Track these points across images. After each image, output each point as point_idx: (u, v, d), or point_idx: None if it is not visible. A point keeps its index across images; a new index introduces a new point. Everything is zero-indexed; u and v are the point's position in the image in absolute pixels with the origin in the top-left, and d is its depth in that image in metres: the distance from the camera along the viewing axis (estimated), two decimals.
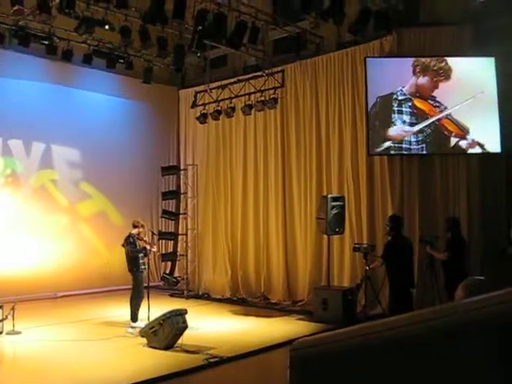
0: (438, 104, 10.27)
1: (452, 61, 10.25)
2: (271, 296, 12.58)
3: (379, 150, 10.50)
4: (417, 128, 10.29)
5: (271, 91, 12.26)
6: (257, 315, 10.94)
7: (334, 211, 10.31)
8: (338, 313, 9.71)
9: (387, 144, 10.42)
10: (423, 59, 10.33)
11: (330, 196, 10.55)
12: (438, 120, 10.26)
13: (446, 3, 10.29)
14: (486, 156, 10.11)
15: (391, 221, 8.96)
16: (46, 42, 11.54)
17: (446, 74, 10.22)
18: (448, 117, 10.20)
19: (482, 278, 2.55)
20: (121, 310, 10.35)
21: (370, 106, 10.53)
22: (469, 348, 1.06)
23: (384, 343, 1.13)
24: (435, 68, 10.24)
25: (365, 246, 9.94)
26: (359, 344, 1.16)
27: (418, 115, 10.36)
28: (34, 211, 12.68)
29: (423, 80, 10.30)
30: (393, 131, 10.38)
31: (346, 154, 11.40)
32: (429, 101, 10.32)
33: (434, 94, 10.30)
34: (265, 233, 12.90)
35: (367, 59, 10.65)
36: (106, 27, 11.02)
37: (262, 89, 12.47)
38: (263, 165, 12.97)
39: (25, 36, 11.14)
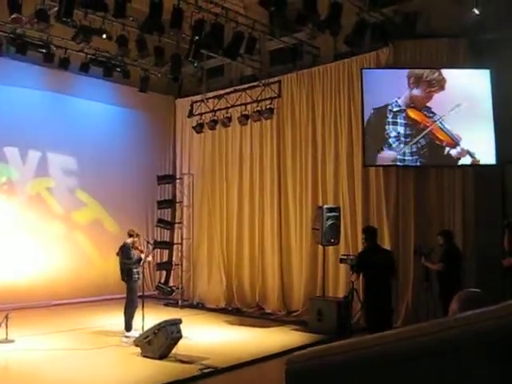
0: (431, 114, 10.33)
1: (446, 72, 10.32)
2: (266, 306, 12.56)
3: (388, 155, 10.50)
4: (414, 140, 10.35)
5: (267, 101, 12.34)
6: (252, 325, 10.91)
7: (330, 222, 10.32)
8: (332, 323, 9.70)
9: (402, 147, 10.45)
10: (417, 70, 10.40)
11: (325, 207, 10.57)
12: (430, 130, 10.31)
13: (442, 16, 10.37)
14: (481, 167, 10.16)
15: (365, 232, 8.71)
16: (44, 50, 11.56)
17: (439, 84, 10.28)
18: (439, 126, 10.25)
19: (476, 290, 2.56)
20: (115, 319, 10.30)
21: (366, 117, 10.58)
22: (468, 362, 1.06)
23: (380, 357, 1.14)
24: (428, 79, 10.30)
25: (351, 257, 9.93)
26: (355, 358, 1.17)
27: (411, 126, 10.42)
28: (29, 219, 12.64)
29: (417, 91, 10.37)
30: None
31: (342, 164, 11.42)
32: (423, 111, 10.37)
33: (428, 104, 10.35)
34: (260, 243, 12.89)
35: (363, 71, 10.71)
36: (104, 36, 11.03)
37: (259, 99, 12.54)
38: (259, 175, 12.99)
39: (22, 44, 11.15)
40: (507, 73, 9.63)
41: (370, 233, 8.57)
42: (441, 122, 10.22)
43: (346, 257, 10.21)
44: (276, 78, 12.65)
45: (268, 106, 12.21)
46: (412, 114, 10.40)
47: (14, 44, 11.14)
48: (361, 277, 8.80)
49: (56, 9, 9.39)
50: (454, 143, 10.19)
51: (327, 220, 10.30)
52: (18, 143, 12.60)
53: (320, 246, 10.85)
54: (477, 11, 9.83)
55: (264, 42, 12.41)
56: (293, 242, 12.35)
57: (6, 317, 8.63)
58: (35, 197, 12.96)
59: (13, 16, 9.70)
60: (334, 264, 11.27)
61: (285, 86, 12.56)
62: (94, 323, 10.75)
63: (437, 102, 10.31)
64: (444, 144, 10.26)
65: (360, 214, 11.06)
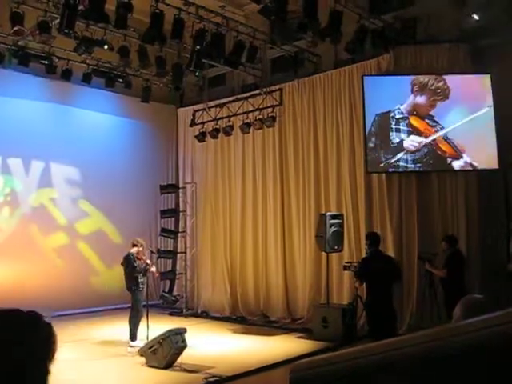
0: (434, 123, 10.33)
1: (449, 79, 10.33)
2: (271, 314, 12.54)
3: (391, 161, 10.49)
4: (425, 140, 10.34)
5: (269, 109, 12.36)
6: (256, 333, 10.90)
7: (333, 229, 10.32)
8: (337, 331, 9.68)
9: (399, 155, 10.43)
10: (421, 78, 10.40)
11: (328, 214, 10.56)
12: (433, 140, 10.33)
13: (442, 21, 10.40)
14: (484, 172, 10.16)
15: (368, 237, 8.55)
16: (46, 62, 11.62)
17: (443, 93, 10.30)
18: (443, 137, 10.26)
19: (480, 296, 2.55)
20: (120, 329, 10.30)
21: (367, 123, 10.59)
22: (473, 369, 1.06)
23: (385, 365, 1.14)
24: (433, 87, 10.31)
25: (354, 264, 9.89)
26: (360, 365, 1.17)
27: (413, 133, 10.43)
28: (32, 230, 12.68)
29: (420, 99, 10.38)
30: (406, 143, 10.42)
31: (344, 171, 11.43)
32: (426, 120, 10.38)
33: (432, 113, 10.36)
34: (264, 251, 12.88)
35: (364, 77, 10.74)
36: (105, 47, 11.10)
37: (260, 107, 12.58)
38: (262, 183, 13.00)
39: (24, 56, 11.22)
40: (508, 77, 9.64)
41: (374, 239, 8.46)
42: (445, 134, 10.23)
43: (349, 264, 10.20)
44: (277, 86, 12.69)
45: (270, 114, 12.24)
46: (414, 122, 10.42)
47: (16, 56, 11.20)
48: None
49: (58, 21, 9.44)
50: (457, 155, 10.20)
51: (330, 227, 10.30)
52: (21, 154, 12.65)
53: (324, 253, 10.84)
54: (476, 16, 9.86)
55: (265, 50, 12.44)
56: (296, 250, 12.34)
57: None
58: (39, 207, 12.98)
59: (15, 28, 9.78)
60: (337, 271, 11.25)
61: (286, 94, 12.59)
62: (98, 333, 10.75)
63: (440, 111, 10.32)
64: (447, 155, 10.27)
65: (363, 221, 11.06)
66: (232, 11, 11.77)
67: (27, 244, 12.45)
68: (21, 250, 12.27)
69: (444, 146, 10.26)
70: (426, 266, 9.13)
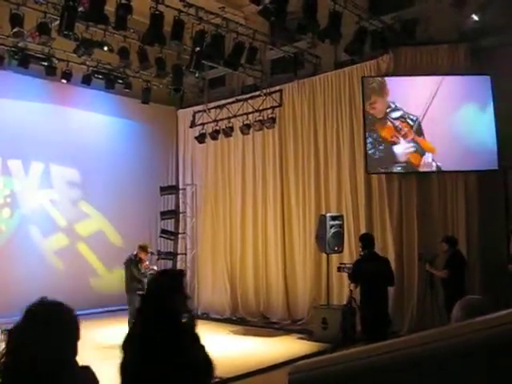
0: (415, 125, 10.38)
1: (449, 80, 10.33)
2: (271, 315, 12.53)
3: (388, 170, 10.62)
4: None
5: (269, 111, 12.36)
6: (256, 335, 10.89)
7: (333, 230, 10.32)
8: (337, 332, 9.65)
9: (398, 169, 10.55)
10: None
11: (328, 215, 10.56)
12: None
13: (442, 22, 10.40)
14: (484, 173, 10.14)
15: (362, 240, 8.41)
16: (46, 63, 11.62)
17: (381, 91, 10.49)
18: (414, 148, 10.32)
19: (479, 297, 2.55)
20: (120, 330, 10.25)
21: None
22: (469, 371, 1.06)
23: (382, 367, 1.14)
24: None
25: (349, 265, 9.84)
26: (358, 367, 1.17)
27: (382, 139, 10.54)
28: (32, 231, 12.67)
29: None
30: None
31: (344, 172, 11.43)
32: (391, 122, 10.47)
33: (426, 114, 10.37)
34: (264, 252, 12.88)
35: (364, 78, 10.74)
36: (105, 48, 11.11)
37: (260, 108, 12.57)
38: (262, 184, 13.00)
39: (24, 57, 11.22)
40: (508, 78, 9.64)
41: (367, 241, 8.28)
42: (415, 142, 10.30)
43: (343, 265, 10.19)
44: (277, 88, 12.69)
45: (270, 116, 12.24)
46: (384, 130, 10.51)
47: (16, 57, 11.20)
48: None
49: (57, 22, 9.45)
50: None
51: (330, 228, 10.30)
52: (21, 156, 12.64)
53: (324, 254, 10.84)
54: (476, 17, 9.86)
55: (265, 51, 12.45)
56: (296, 251, 12.34)
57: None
58: (38, 209, 12.97)
59: (15, 30, 9.78)
60: (337, 272, 11.24)
61: (286, 95, 12.59)
62: (98, 335, 10.71)
63: (439, 111, 10.33)
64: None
65: (363, 222, 11.05)
66: (232, 12, 11.77)
67: (27, 245, 12.44)
68: (20, 252, 12.26)
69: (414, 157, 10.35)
70: (427, 267, 9.12)
